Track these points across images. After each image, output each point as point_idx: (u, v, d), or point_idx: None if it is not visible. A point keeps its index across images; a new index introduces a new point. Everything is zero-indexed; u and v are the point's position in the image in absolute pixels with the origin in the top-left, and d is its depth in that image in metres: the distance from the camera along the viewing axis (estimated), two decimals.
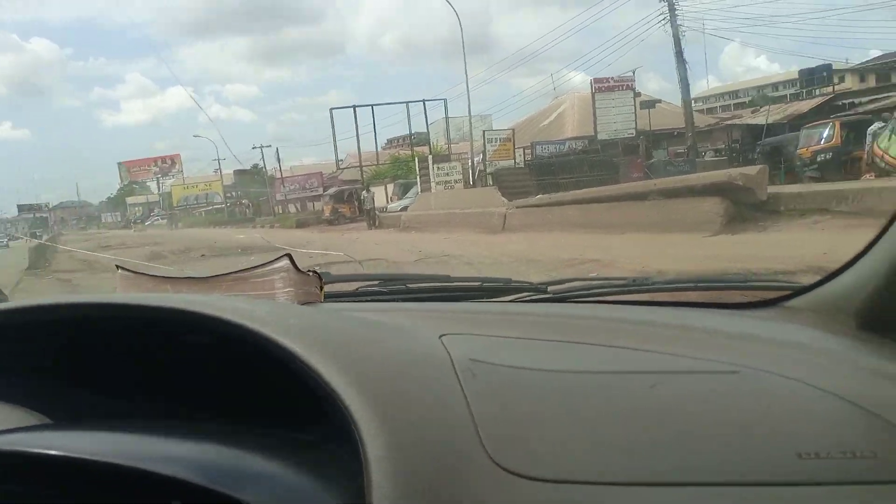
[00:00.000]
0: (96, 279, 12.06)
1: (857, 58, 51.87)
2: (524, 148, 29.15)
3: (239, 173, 54.54)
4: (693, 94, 30.26)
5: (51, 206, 74.84)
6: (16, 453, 0.57)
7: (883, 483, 0.61)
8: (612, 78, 28.58)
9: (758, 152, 21.41)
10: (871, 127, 15.49)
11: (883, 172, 14.25)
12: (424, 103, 33.74)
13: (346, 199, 30.36)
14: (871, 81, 35.53)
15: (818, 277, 1.04)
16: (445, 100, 34.52)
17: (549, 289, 1.26)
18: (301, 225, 30.30)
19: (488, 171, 26.90)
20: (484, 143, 27.77)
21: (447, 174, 26.24)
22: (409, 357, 0.73)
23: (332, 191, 32.88)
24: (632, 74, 29.01)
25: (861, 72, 39.98)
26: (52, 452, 0.56)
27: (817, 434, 0.67)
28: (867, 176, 14.64)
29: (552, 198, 16.41)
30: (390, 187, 31.64)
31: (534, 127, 34.98)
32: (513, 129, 30.08)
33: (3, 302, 1.12)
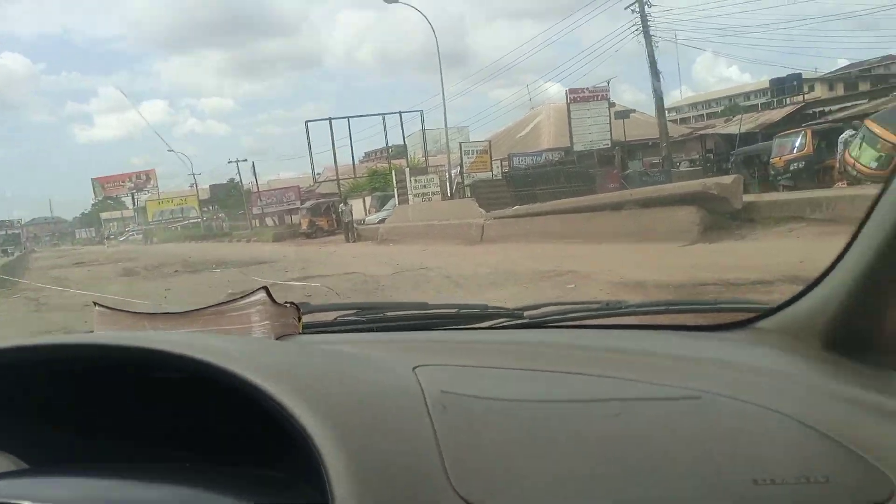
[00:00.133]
0: (64, 298, 11.76)
1: (825, 67, 53.19)
2: (501, 159, 29.22)
3: (215, 188, 54.04)
4: (667, 105, 30.63)
5: (23, 223, 73.57)
6: None
7: None
8: (587, 88, 28.79)
9: (732, 162, 21.67)
10: (842, 135, 15.70)
11: (854, 180, 14.42)
12: (401, 116, 33.66)
13: (323, 212, 30.20)
14: (840, 90, 36.26)
15: (795, 287, 1.05)
16: (421, 112, 34.49)
17: (525, 314, 1.28)
18: (278, 238, 30.06)
19: (466, 183, 26.90)
20: (461, 155, 27.79)
21: (424, 186, 26.19)
22: (380, 392, 0.74)
23: (309, 204, 32.64)
24: (606, 85, 29.30)
25: (830, 81, 40.84)
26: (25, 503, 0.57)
27: (774, 460, 0.68)
28: (839, 184, 14.83)
29: (529, 209, 16.44)
30: (368, 200, 31.50)
31: (510, 138, 35.12)
32: (489, 141, 30.16)
33: None
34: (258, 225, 42.46)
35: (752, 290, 5.92)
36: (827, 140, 16.84)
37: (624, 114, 28.70)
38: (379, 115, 34.22)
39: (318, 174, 36.48)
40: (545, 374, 0.89)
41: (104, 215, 66.24)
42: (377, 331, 1.22)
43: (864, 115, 17.45)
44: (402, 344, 1.11)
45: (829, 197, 11.00)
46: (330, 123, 33.13)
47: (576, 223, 13.46)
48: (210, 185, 54.27)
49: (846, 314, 0.92)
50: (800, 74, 31.38)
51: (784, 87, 30.79)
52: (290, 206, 38.60)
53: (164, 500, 0.60)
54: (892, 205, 0.82)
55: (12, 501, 0.57)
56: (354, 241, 22.56)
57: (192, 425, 0.75)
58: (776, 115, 27.53)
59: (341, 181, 33.42)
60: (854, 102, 24.39)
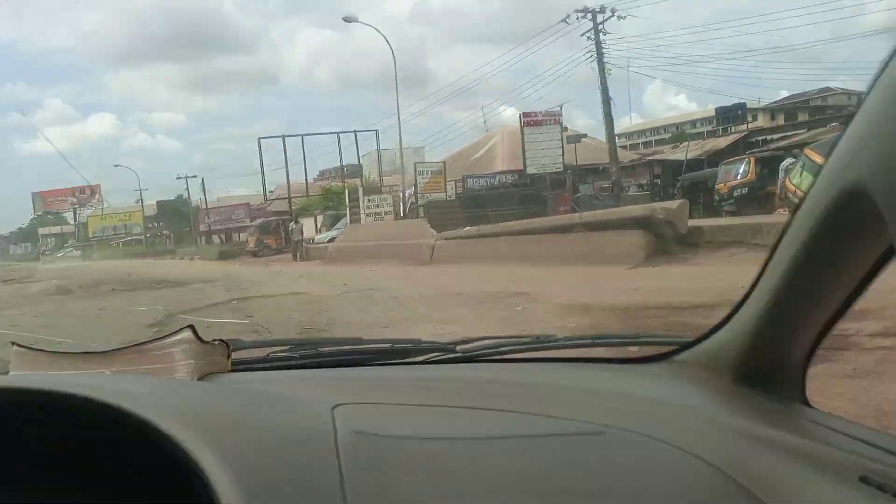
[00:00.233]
0: None
1: (768, 97, 55.34)
2: (456, 180, 29.27)
3: (162, 204, 52.61)
4: (617, 131, 31.27)
5: None
6: None
7: None
8: (541, 112, 29.21)
9: (678, 187, 22.15)
10: (783, 163, 16.18)
11: (796, 207, 14.82)
12: (356, 135, 33.41)
13: (272, 231, 29.71)
14: (781, 120, 37.63)
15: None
16: (377, 131, 34.22)
17: (458, 348, 1.29)
18: (224, 257, 29.27)
19: (420, 203, 26.81)
20: (415, 176, 27.72)
21: (378, 206, 26.00)
22: (290, 433, 0.73)
23: (257, 222, 32.09)
24: (559, 110, 29.80)
25: (772, 110, 42.42)
26: None
27: (673, 496, 0.71)
28: (780, 210, 15.23)
29: (481, 230, 16.44)
30: (320, 219, 31.09)
31: (465, 160, 35.27)
32: (444, 162, 30.22)
33: None
34: (204, 243, 41.41)
35: (693, 313, 5.91)
36: (769, 167, 17.34)
37: (576, 138, 29.16)
38: (334, 133, 34.00)
39: (271, 192, 35.89)
40: (464, 410, 0.91)
41: (42, 230, 63.70)
42: (309, 367, 1.22)
43: (803, 144, 18.05)
44: (331, 381, 1.12)
45: (770, 223, 11.22)
46: (283, 141, 32.71)
47: (526, 245, 13.52)
48: (157, 202, 52.81)
49: (753, 347, 0.95)
50: (744, 104, 32.55)
51: (729, 115, 31.85)
52: (240, 224, 37.83)
53: None
54: (792, 239, 0.82)
55: None
56: (303, 261, 22.20)
57: (103, 468, 0.75)
58: (721, 142, 28.40)
59: (294, 199, 32.93)
60: (794, 132, 25.34)
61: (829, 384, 3.44)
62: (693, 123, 54.02)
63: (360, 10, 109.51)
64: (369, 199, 26.10)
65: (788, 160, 16.16)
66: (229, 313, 9.70)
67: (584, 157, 28.73)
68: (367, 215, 25.41)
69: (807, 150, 16.03)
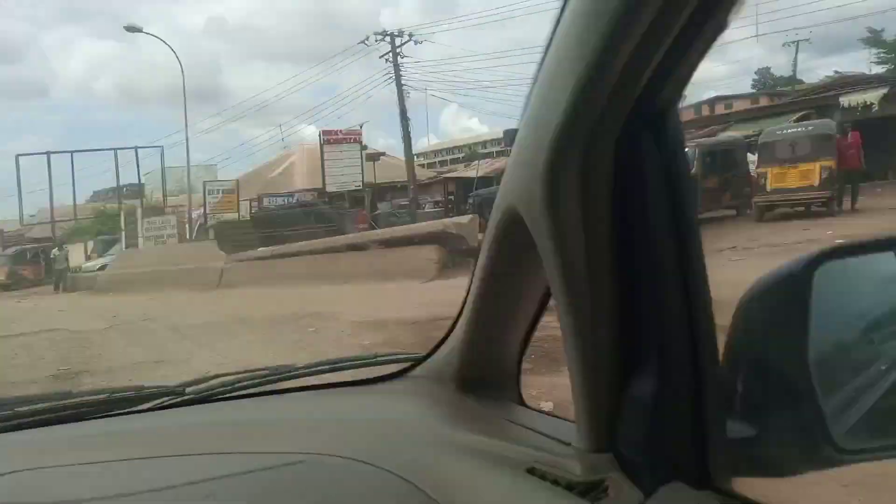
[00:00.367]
0: None
1: None
2: (251, 200, 27.91)
3: None
4: (415, 150, 32.14)
5: None
6: None
7: None
8: (341, 131, 29.05)
9: (469, 203, 23.13)
10: None
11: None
12: (137, 151, 30.35)
13: (29, 260, 25.98)
14: None
15: None
16: (162, 147, 31.50)
17: (188, 390, 1.23)
18: None
19: (209, 224, 25.10)
20: (204, 195, 25.96)
21: (160, 228, 23.91)
22: None
23: (11, 251, 27.75)
24: (360, 128, 29.83)
25: None
26: None
27: None
28: None
29: (275, 250, 15.90)
30: (90, 244, 27.72)
31: (263, 178, 33.88)
32: (237, 181, 28.67)
33: None
34: None
35: (398, 353, 6.11)
36: None
37: (375, 156, 29.37)
38: (111, 150, 30.46)
39: (32, 216, 31.40)
40: (153, 461, 0.91)
41: None
42: (7, 431, 1.12)
43: None
44: (29, 445, 1.07)
45: None
46: (48, 158, 28.79)
47: (322, 264, 13.50)
48: None
49: (469, 357, 1.01)
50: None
51: (515, 136, 34.19)
52: None
53: None
54: (483, 255, 0.90)
55: None
56: (66, 292, 19.80)
57: None
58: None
59: (59, 223, 28.99)
60: None
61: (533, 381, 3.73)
62: (484, 144, 57.39)
63: (149, 22, 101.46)
64: (148, 221, 23.93)
65: None
66: None
67: (383, 175, 29.02)
68: (147, 238, 23.20)
69: None
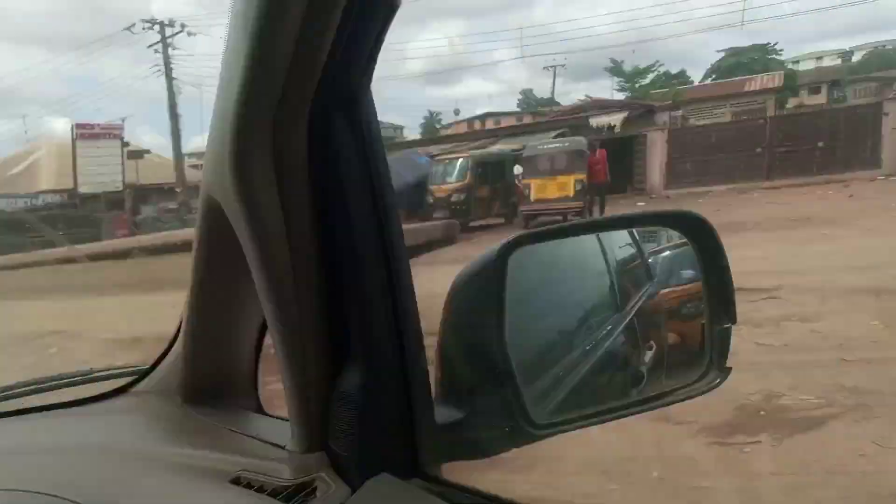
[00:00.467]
0: None
1: None
2: None
3: None
4: (187, 149, 30.04)
5: None
6: None
7: None
8: (99, 124, 26.18)
9: None
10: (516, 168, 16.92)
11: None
12: None
13: None
14: None
15: None
16: None
17: None
18: None
19: None
20: None
21: None
22: None
23: None
24: (121, 123, 27.15)
25: None
26: None
27: None
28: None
29: (11, 259, 13.83)
30: None
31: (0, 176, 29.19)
32: None
33: None
34: None
35: (121, 367, 5.94)
36: (484, 168, 17.66)
37: (138, 154, 26.89)
38: None
39: None
40: None
41: None
42: None
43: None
44: None
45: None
46: None
47: (72, 275, 12.22)
48: None
49: (194, 366, 0.94)
50: None
51: None
52: None
53: None
54: (195, 254, 0.84)
55: None
56: None
57: None
58: None
59: None
60: None
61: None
62: None
63: None
64: None
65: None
66: None
67: (148, 176, 26.66)
68: None
69: None
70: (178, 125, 26.99)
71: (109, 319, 8.85)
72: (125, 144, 26.40)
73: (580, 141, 16.11)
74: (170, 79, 26.65)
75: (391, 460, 0.65)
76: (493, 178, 17.03)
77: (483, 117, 50.53)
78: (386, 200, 0.63)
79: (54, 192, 26.32)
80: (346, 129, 0.61)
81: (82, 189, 24.74)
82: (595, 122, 23.20)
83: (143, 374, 1.10)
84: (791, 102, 22.36)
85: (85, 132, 25.34)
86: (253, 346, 0.95)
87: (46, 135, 34.00)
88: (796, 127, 21.50)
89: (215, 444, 0.84)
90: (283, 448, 0.74)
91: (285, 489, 0.67)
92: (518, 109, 55.93)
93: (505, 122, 42.78)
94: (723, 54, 46.79)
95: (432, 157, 19.35)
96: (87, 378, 1.27)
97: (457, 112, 57.33)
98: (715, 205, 17.50)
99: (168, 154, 29.57)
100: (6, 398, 1.18)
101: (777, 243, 9.57)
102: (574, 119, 24.59)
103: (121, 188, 25.19)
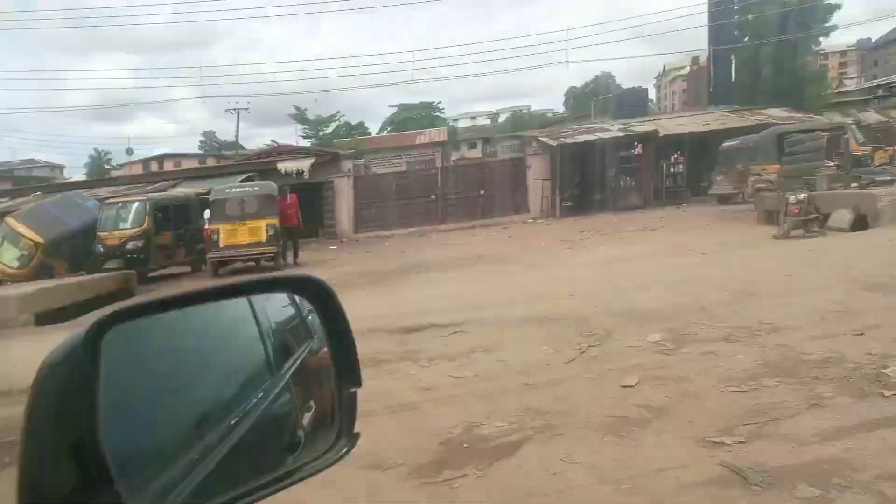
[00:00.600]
0: None
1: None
2: None
3: None
4: None
5: None
6: None
7: None
8: None
9: None
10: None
11: None
12: None
13: None
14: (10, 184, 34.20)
15: None
16: None
17: None
18: None
19: None
20: None
21: None
22: None
23: None
24: None
25: None
26: None
27: None
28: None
29: None
30: None
31: None
32: None
33: None
34: None
35: None
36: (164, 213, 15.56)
37: None
38: None
39: None
40: None
41: None
42: None
43: (4, 213, 16.62)
44: None
45: None
46: None
47: None
48: None
49: None
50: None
51: None
52: None
53: None
54: None
55: None
56: None
57: None
58: None
59: None
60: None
61: None
62: None
63: None
64: None
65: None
66: None
67: None
68: None
69: (7, 219, 14.88)
70: None
71: None
72: None
73: (270, 185, 15.79)
74: None
75: None
76: (177, 223, 15.68)
77: (161, 157, 46.69)
78: None
79: None
80: None
81: None
82: (283, 167, 23.10)
83: None
84: (455, 155, 25.11)
85: None
86: None
87: None
88: (462, 176, 24.36)
89: None
90: None
91: None
92: (200, 151, 53.07)
93: (186, 164, 40.14)
94: (395, 108, 51.06)
95: (102, 200, 17.09)
96: None
97: (130, 152, 51.97)
98: (401, 246, 18.65)
99: None
100: None
101: (458, 282, 10.35)
102: (262, 164, 24.16)
103: None
